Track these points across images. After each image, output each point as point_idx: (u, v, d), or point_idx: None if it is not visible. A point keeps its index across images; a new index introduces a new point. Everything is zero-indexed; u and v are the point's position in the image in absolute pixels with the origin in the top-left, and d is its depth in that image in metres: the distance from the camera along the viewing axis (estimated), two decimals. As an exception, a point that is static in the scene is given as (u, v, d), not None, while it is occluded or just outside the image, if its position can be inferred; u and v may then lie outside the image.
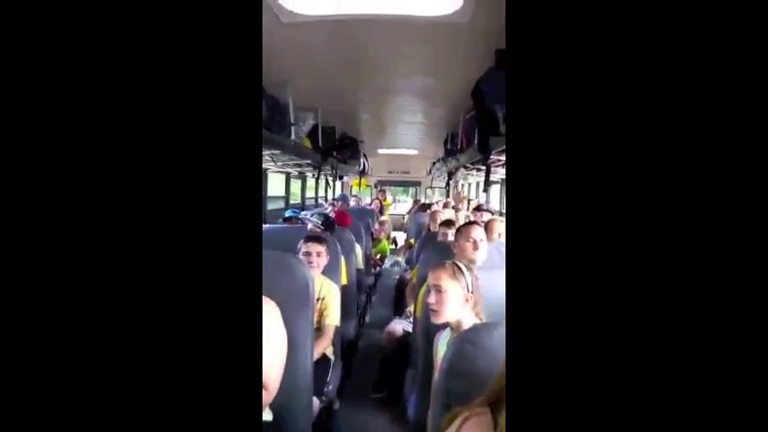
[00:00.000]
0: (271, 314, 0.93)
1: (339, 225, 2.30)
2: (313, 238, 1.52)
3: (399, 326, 1.80)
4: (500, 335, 0.69)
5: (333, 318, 1.45)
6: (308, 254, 1.45)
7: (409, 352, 1.64)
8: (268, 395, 0.90)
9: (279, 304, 0.96)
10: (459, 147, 2.36)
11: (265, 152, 1.81)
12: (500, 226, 1.71)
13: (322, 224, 1.98)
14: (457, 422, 0.50)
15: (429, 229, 2.44)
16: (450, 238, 1.73)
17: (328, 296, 1.47)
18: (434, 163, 4.32)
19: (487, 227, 1.65)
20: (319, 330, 1.44)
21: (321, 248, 1.48)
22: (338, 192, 4.89)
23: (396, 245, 4.79)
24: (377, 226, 3.49)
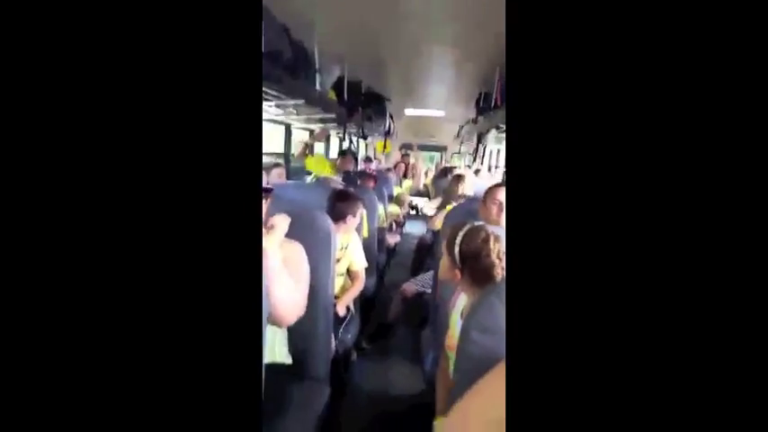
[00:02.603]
0: (297, 251, 0.93)
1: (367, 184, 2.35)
2: (359, 198, 1.58)
3: (413, 286, 1.81)
4: None
5: (360, 262, 1.57)
6: (360, 215, 1.56)
7: (424, 311, 1.65)
8: (288, 317, 0.87)
9: None
10: (492, 105, 2.22)
11: (289, 102, 1.74)
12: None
13: (343, 180, 1.99)
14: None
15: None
16: (462, 191, 1.78)
17: (351, 244, 1.52)
18: (462, 126, 4.14)
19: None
20: (350, 277, 1.55)
21: (362, 209, 1.59)
22: (362, 152, 4.82)
23: (417, 211, 4.74)
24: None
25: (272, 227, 0.86)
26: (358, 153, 4.66)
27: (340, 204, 1.50)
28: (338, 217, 1.49)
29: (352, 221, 1.52)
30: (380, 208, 2.30)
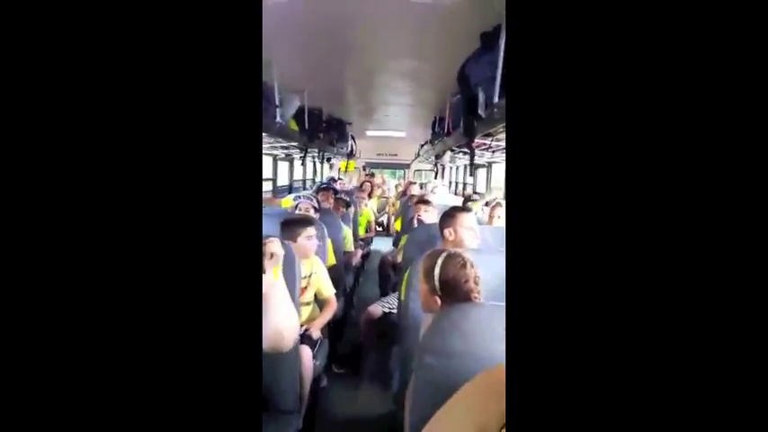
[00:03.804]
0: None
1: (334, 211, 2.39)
2: (307, 221, 1.56)
3: (379, 307, 1.85)
4: (475, 316, 0.73)
5: (329, 289, 1.58)
6: (309, 237, 1.51)
7: (391, 332, 1.69)
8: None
9: None
10: (445, 130, 2.37)
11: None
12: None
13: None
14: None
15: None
16: (424, 215, 1.82)
17: (318, 271, 1.55)
18: (422, 146, 4.31)
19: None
20: (322, 303, 1.57)
21: (313, 232, 1.53)
22: (326, 174, 4.87)
23: (384, 228, 4.82)
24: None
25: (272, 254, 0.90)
26: (322, 175, 4.70)
27: (286, 229, 1.50)
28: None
29: (305, 245, 1.51)
30: (345, 230, 2.35)
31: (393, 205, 3.66)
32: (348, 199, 2.90)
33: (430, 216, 1.89)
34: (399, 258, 1.94)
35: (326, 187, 3.06)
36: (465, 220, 1.35)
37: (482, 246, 1.37)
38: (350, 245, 2.47)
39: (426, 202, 2.00)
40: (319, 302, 1.62)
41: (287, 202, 2.47)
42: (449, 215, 1.39)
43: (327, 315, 1.55)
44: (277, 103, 1.73)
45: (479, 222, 1.60)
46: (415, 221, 1.86)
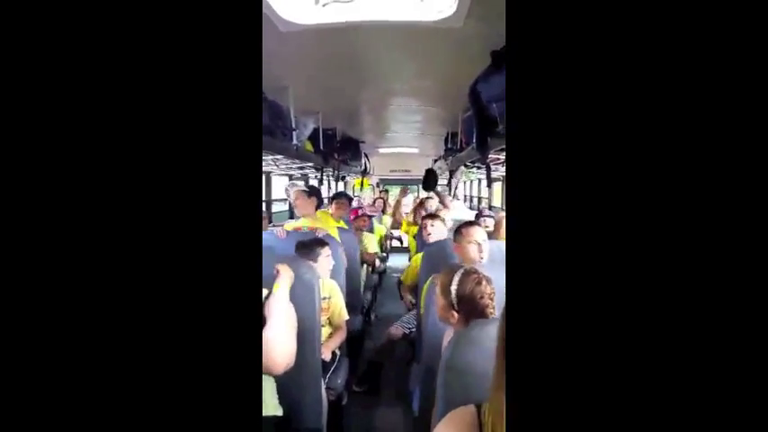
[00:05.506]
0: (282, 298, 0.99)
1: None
2: (324, 242, 1.60)
3: (400, 329, 1.85)
4: (494, 332, 0.72)
5: (343, 314, 1.60)
6: (327, 256, 1.55)
7: (411, 350, 1.68)
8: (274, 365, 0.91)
9: None
10: (458, 146, 2.40)
11: (268, 157, 1.85)
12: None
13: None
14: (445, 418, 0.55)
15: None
16: (431, 229, 1.88)
17: (334, 296, 1.57)
18: (435, 161, 4.34)
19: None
20: (332, 328, 1.57)
21: (330, 252, 1.57)
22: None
23: (401, 243, 4.82)
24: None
25: (278, 274, 0.96)
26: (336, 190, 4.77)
27: (305, 250, 1.54)
28: None
29: (324, 264, 1.55)
30: (379, 228, 2.36)
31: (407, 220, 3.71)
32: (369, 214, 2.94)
33: (437, 230, 1.92)
34: (403, 278, 1.97)
35: (339, 196, 3.05)
36: (470, 233, 1.37)
37: (488, 260, 1.37)
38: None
39: (433, 217, 2.02)
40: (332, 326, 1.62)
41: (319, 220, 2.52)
42: (457, 231, 1.43)
43: (338, 340, 1.56)
44: (293, 125, 1.79)
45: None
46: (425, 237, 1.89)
